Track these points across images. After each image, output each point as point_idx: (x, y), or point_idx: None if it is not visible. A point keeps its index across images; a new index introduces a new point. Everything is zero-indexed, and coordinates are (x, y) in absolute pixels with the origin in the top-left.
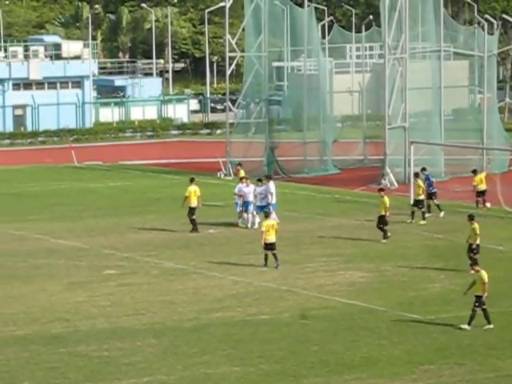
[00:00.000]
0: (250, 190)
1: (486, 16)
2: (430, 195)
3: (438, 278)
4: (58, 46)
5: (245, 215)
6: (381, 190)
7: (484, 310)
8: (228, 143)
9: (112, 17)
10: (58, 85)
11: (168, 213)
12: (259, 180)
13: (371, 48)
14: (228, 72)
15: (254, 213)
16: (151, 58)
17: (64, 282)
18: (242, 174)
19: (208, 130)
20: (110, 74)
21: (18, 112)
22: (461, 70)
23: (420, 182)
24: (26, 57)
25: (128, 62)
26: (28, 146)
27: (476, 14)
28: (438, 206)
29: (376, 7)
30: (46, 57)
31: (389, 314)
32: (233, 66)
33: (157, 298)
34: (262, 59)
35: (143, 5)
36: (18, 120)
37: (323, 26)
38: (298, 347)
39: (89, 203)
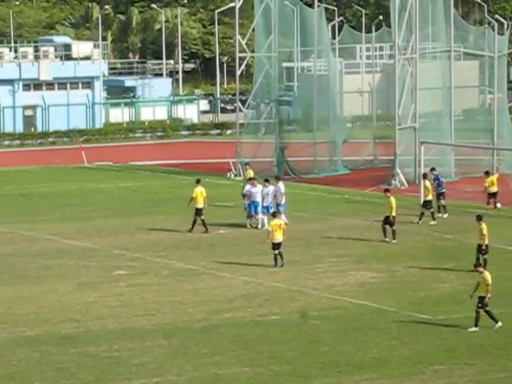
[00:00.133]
0: (257, 190)
1: (497, 16)
2: (439, 195)
3: (449, 279)
4: (68, 47)
5: (257, 216)
6: (386, 190)
7: (487, 312)
8: (238, 144)
9: (122, 17)
10: (68, 85)
11: (178, 213)
12: (266, 180)
13: (381, 48)
14: (238, 72)
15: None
16: (161, 58)
17: (74, 282)
18: (251, 174)
19: (218, 131)
20: (120, 74)
21: (28, 112)
22: (471, 70)
23: (427, 183)
24: (36, 57)
25: (138, 62)
26: (38, 147)
27: (486, 14)
28: (443, 206)
29: (386, 7)
30: (56, 57)
31: (399, 315)
32: (243, 66)
33: (167, 299)
34: (272, 59)
35: (153, 5)
36: (28, 120)
37: (333, 27)
38: (308, 348)
39: (99, 204)
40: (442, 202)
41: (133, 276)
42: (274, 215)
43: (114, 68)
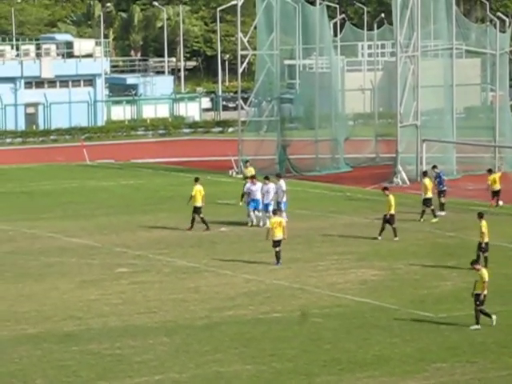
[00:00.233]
0: (257, 188)
1: (498, 14)
2: (440, 193)
3: (450, 276)
4: (69, 45)
5: (258, 214)
6: (385, 188)
7: (481, 311)
8: (240, 141)
9: (124, 15)
10: (70, 83)
11: (180, 211)
12: (266, 178)
13: (383, 46)
14: (240, 70)
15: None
16: (163, 56)
17: (76, 280)
18: (252, 171)
19: (220, 128)
20: (122, 72)
21: (30, 110)
22: (473, 67)
23: (426, 181)
24: (38, 55)
25: (140, 60)
26: (40, 145)
27: (488, 11)
28: (442, 204)
29: (388, 5)
30: (57, 55)
31: (401, 312)
32: (245, 64)
33: (169, 296)
34: (274, 57)
35: (155, 3)
36: (30, 118)
37: (335, 24)
38: (310, 345)
39: (101, 201)
40: (442, 199)
41: (135, 274)
42: (275, 213)
43: (116, 66)
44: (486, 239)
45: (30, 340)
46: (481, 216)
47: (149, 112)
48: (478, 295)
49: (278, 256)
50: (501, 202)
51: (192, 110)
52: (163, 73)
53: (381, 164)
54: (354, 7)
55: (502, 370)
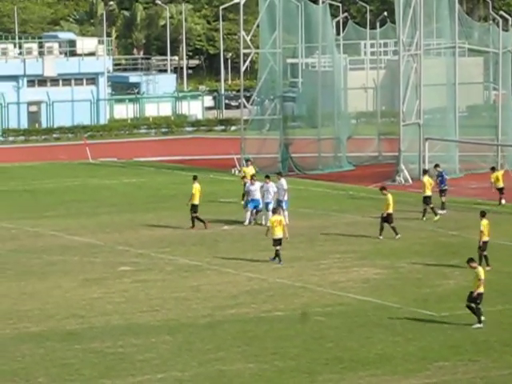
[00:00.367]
0: (256, 187)
1: (501, 12)
2: (441, 192)
3: (453, 275)
4: (72, 43)
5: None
6: (383, 187)
7: (469, 307)
8: (242, 140)
9: (126, 13)
10: (73, 81)
11: (182, 209)
12: (267, 177)
13: (386, 44)
14: (242, 69)
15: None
16: (166, 54)
17: (79, 278)
18: (252, 171)
19: (222, 127)
20: (125, 70)
21: (33, 109)
22: (475, 66)
23: (425, 179)
24: (41, 53)
25: (142, 58)
26: (42, 143)
27: (491, 10)
28: (443, 202)
29: (391, 4)
30: (60, 53)
31: (403, 311)
32: (247, 62)
33: (171, 295)
34: (277, 56)
35: (158, 1)
36: (33, 117)
37: (338, 23)
38: (312, 344)
39: (103, 200)
40: (443, 198)
41: (137, 272)
42: (274, 211)
43: (119, 64)
44: (485, 238)
45: (33, 338)
46: (483, 215)
47: (151, 110)
48: (471, 293)
49: (277, 254)
50: (503, 201)
51: (194, 108)
52: (166, 71)
53: (383, 162)
54: (356, 6)
55: (504, 369)
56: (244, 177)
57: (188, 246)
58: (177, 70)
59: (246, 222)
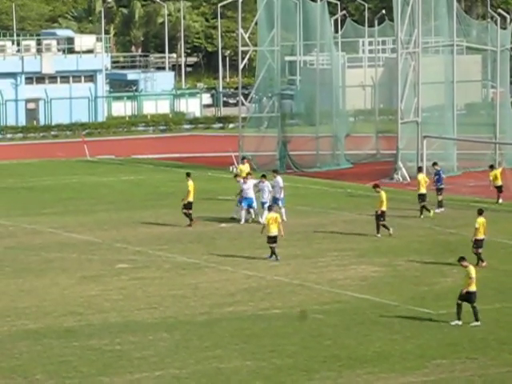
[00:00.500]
0: (248, 186)
1: (499, 10)
2: (437, 190)
3: (451, 273)
4: (70, 40)
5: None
6: (376, 185)
7: (458, 305)
8: (240, 137)
9: (125, 11)
10: (71, 79)
11: (180, 207)
12: (263, 176)
13: (384, 42)
14: (241, 66)
15: (253, 208)
16: (164, 52)
17: (76, 275)
18: (248, 168)
19: (220, 124)
20: (123, 67)
21: (31, 106)
22: (474, 64)
23: (419, 177)
24: (39, 51)
25: (141, 56)
26: (41, 140)
27: (489, 8)
28: (440, 201)
29: (389, 1)
30: (58, 51)
31: (401, 309)
32: (245, 60)
33: (169, 292)
34: (275, 53)
35: None
36: (31, 114)
37: (336, 20)
38: (310, 342)
39: (101, 197)
40: (440, 197)
41: (135, 269)
42: (270, 209)
43: (117, 61)
44: (479, 236)
45: (31, 335)
46: (480, 213)
47: (149, 108)
48: (461, 291)
49: (273, 251)
50: (500, 200)
51: (193, 105)
52: (164, 69)
53: (381, 160)
54: (354, 3)
55: (502, 367)
56: (236, 175)
57: (186, 244)
58: (175, 67)
59: (242, 220)
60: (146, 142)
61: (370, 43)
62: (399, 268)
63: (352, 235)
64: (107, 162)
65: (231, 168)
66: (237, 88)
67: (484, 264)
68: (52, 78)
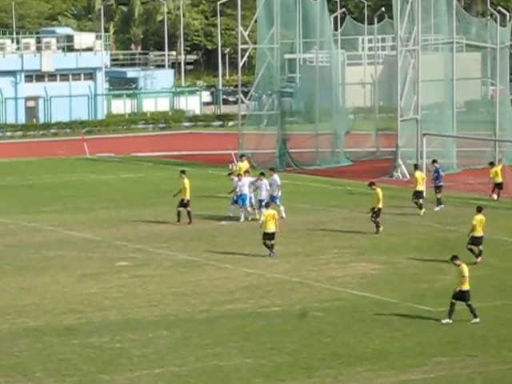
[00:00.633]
0: (243, 183)
1: (499, 8)
2: (436, 188)
3: (451, 270)
4: (70, 38)
5: (248, 208)
6: (371, 183)
7: (452, 304)
8: (240, 135)
9: (124, 8)
10: (71, 76)
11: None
12: (261, 174)
13: (383, 40)
14: (240, 64)
15: (247, 205)
16: (163, 49)
17: (76, 273)
18: (247, 166)
19: (220, 122)
20: (123, 65)
21: (31, 104)
22: (473, 61)
23: (417, 175)
24: (39, 49)
25: (140, 53)
26: (40, 138)
27: (488, 5)
28: (438, 199)
29: None
30: (58, 49)
31: (401, 306)
32: (245, 57)
33: (169, 290)
34: (275, 51)
35: None
36: (31, 112)
37: (335, 18)
38: (309, 339)
39: (101, 195)
40: (438, 195)
41: (135, 267)
42: (267, 206)
43: (116, 59)
44: (477, 233)
45: (31, 333)
46: (479, 210)
47: (149, 106)
48: (462, 292)
49: (268, 246)
50: (495, 196)
51: (192, 103)
52: (163, 66)
53: (381, 158)
54: (354, 1)
55: (502, 364)
56: (230, 173)
57: (186, 242)
58: (174, 65)
59: (242, 218)
60: (146, 140)
61: (370, 41)
62: (399, 265)
63: (352, 233)
64: (107, 159)
65: (231, 166)
66: (236, 86)
67: (478, 260)
68: (51, 76)
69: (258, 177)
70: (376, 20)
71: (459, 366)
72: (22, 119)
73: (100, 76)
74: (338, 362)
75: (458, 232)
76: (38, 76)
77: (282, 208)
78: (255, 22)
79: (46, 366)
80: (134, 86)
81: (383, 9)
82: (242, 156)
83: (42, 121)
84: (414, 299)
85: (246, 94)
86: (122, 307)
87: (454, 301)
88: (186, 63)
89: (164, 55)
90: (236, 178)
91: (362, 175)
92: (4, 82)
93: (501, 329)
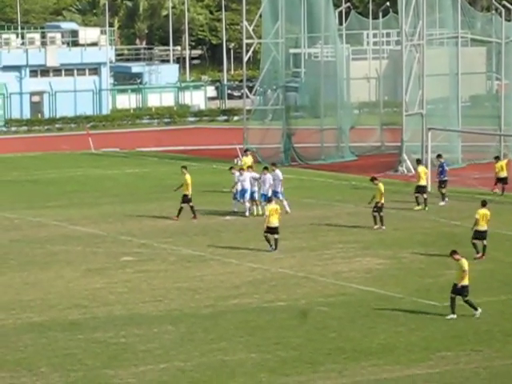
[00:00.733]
0: (244, 178)
1: (504, 2)
2: (441, 183)
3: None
4: (75, 33)
5: (246, 204)
6: (373, 178)
7: (452, 299)
8: (245, 130)
9: (129, 3)
10: (75, 71)
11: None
12: (265, 168)
13: (388, 34)
14: (245, 59)
15: (247, 200)
16: (168, 44)
17: (81, 268)
18: (251, 160)
19: (225, 117)
20: (127, 60)
21: (36, 99)
22: (478, 56)
23: (420, 170)
24: (43, 43)
25: (145, 48)
26: (45, 133)
27: (493, 0)
28: (443, 194)
29: None
30: (63, 43)
31: (406, 301)
32: (250, 52)
33: (174, 285)
34: (279, 46)
35: None
36: (36, 107)
37: (340, 13)
38: (315, 334)
39: (106, 190)
40: (443, 190)
41: (140, 262)
42: (270, 200)
43: (121, 54)
44: (480, 227)
45: (35, 328)
46: (483, 204)
47: (154, 100)
48: (455, 285)
49: (268, 239)
50: (496, 190)
51: (197, 98)
52: (168, 61)
53: (386, 153)
54: None
55: (507, 359)
56: (232, 167)
57: (191, 236)
58: (179, 60)
59: (247, 213)
60: (151, 135)
61: (375, 35)
62: (404, 260)
63: (357, 227)
64: (112, 154)
65: (236, 160)
66: (241, 80)
67: (478, 255)
68: (56, 71)
69: (261, 172)
70: (381, 14)
71: (464, 361)
72: (26, 114)
73: (105, 71)
74: (343, 357)
75: (463, 226)
76: (43, 71)
77: (285, 203)
78: (260, 16)
79: (51, 361)
80: (138, 80)
81: (388, 3)
82: (246, 150)
83: (46, 116)
84: (418, 294)
85: (250, 88)
86: (126, 302)
87: (453, 296)
88: (191, 58)
89: (169, 50)
90: (237, 173)
91: (366, 170)
92: (9, 77)
93: (506, 323)
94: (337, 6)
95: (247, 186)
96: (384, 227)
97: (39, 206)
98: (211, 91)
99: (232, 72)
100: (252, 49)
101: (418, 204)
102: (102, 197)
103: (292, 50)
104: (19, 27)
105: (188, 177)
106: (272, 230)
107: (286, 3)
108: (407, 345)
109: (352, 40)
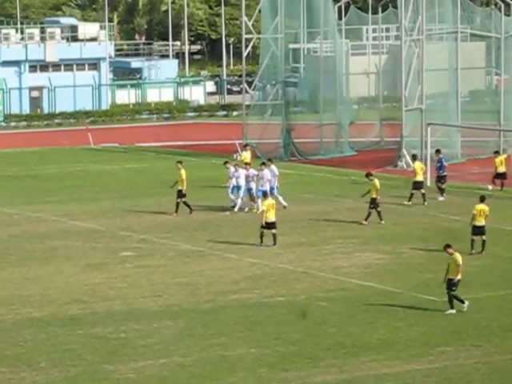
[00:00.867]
0: (239, 174)
1: None
2: (440, 178)
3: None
4: (74, 28)
5: (238, 200)
6: (369, 174)
7: (454, 296)
8: (244, 125)
9: None
10: (75, 67)
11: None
12: (263, 164)
13: (388, 29)
14: (244, 54)
15: (242, 196)
16: (167, 39)
17: (81, 263)
18: (249, 156)
19: (224, 112)
20: (127, 55)
21: (35, 94)
22: (478, 51)
23: (416, 165)
24: (43, 39)
25: (144, 43)
26: (44, 128)
27: None
28: (442, 189)
29: None
30: (62, 39)
31: (405, 296)
32: (249, 47)
33: (173, 280)
34: (279, 41)
35: None
36: (35, 102)
37: (339, 8)
38: (314, 329)
39: (105, 185)
40: (442, 185)
41: (139, 257)
42: (266, 196)
43: (121, 49)
44: (478, 222)
45: (35, 323)
46: (481, 199)
47: (153, 96)
48: (450, 280)
49: (262, 236)
50: (490, 187)
51: (196, 93)
52: (168, 56)
53: (385, 148)
54: None
55: (506, 354)
56: (226, 162)
57: (190, 232)
58: (179, 55)
59: (236, 208)
60: (150, 130)
61: (374, 30)
62: (403, 255)
63: (356, 223)
64: (111, 150)
65: (235, 156)
66: (241, 76)
67: (473, 251)
68: (56, 66)
69: (259, 167)
70: (380, 9)
71: (463, 356)
72: (26, 109)
73: (104, 66)
74: (342, 352)
75: (463, 222)
76: (42, 66)
77: (280, 198)
78: (259, 11)
79: (51, 356)
80: (138, 76)
81: None
82: (245, 145)
83: (46, 111)
84: (418, 289)
85: (250, 83)
86: (126, 297)
87: (453, 292)
88: (190, 53)
89: (168, 45)
90: (232, 168)
91: (366, 165)
92: (8, 72)
93: (505, 319)
94: (336, 0)
95: (242, 182)
96: (383, 222)
97: (38, 202)
98: (210, 86)
99: (231, 67)
100: (251, 44)
101: (410, 200)
102: (102, 192)
103: (291, 45)
104: (18, 22)
105: (183, 172)
106: (270, 225)
107: None
108: (407, 340)
109: (351, 35)
